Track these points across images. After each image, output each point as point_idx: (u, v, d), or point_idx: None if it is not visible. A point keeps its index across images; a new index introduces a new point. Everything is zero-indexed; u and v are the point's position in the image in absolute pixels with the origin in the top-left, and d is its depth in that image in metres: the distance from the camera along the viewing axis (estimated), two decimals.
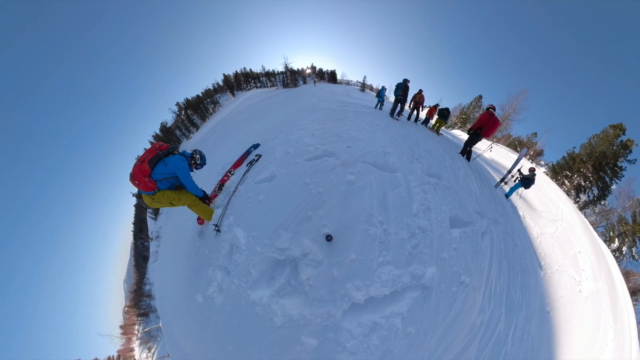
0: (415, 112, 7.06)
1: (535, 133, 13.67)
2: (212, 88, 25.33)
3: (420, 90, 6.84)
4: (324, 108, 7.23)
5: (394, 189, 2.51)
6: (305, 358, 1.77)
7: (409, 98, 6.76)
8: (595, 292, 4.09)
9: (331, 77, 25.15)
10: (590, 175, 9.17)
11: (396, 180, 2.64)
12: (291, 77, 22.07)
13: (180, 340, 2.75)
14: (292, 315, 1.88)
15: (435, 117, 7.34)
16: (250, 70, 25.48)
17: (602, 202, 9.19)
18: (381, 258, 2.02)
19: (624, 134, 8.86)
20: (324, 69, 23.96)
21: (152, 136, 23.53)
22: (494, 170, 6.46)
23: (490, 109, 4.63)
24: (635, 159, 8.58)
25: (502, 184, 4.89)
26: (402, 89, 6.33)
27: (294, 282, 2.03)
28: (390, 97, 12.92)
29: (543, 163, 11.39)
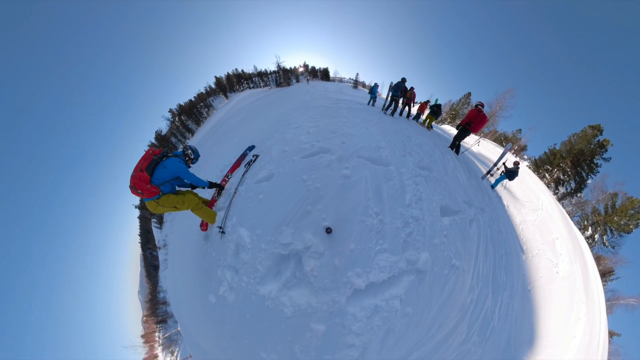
0: (406, 108, 7.18)
1: (520, 129, 14.56)
2: (204, 92, 24.71)
3: (412, 88, 6.93)
4: (317, 106, 7.28)
5: (387, 182, 2.63)
6: (316, 343, 1.92)
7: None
8: (570, 273, 4.50)
9: (324, 74, 25.01)
10: (568, 170, 10.15)
11: (389, 173, 2.76)
12: (284, 76, 21.83)
13: (200, 340, 2.90)
14: (300, 305, 2.01)
15: (427, 112, 7.55)
16: (242, 71, 24.98)
17: (579, 195, 10.24)
18: (378, 246, 2.15)
19: (601, 134, 9.80)
20: (317, 67, 23.79)
21: (148, 145, 22.90)
22: (481, 163, 6.78)
23: (479, 106, 4.87)
24: (610, 158, 9.42)
25: (488, 175, 5.25)
26: (401, 90, 6.22)
27: (299, 274, 2.14)
28: (383, 93, 12.99)
29: (526, 157, 12.18)
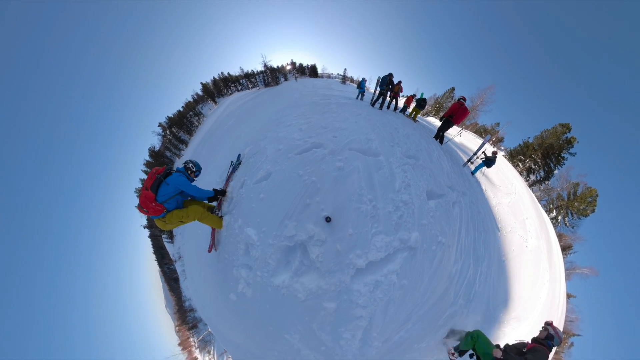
0: (394, 101, 7.41)
1: (498, 123, 15.95)
2: (192, 100, 23.80)
3: (399, 82, 7.14)
4: (307, 103, 7.26)
5: (378, 171, 2.84)
6: (330, 319, 2.18)
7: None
8: (537, 247, 5.21)
9: (312, 71, 24.74)
10: (539, 160, 11.61)
11: (379, 163, 2.96)
12: (272, 76, 21.47)
13: (230, 335, 3.16)
14: (311, 289, 2.24)
15: (413, 105, 7.83)
16: (229, 74, 24.23)
17: (546, 182, 11.77)
18: (374, 229, 2.38)
19: (569, 132, 11.18)
20: (304, 64, 23.47)
21: (144, 164, 22.02)
22: (462, 152, 7.29)
23: (461, 100, 5.27)
24: (575, 153, 10.98)
25: (469, 163, 5.77)
26: (387, 83, 6.43)
27: (307, 261, 2.36)
28: (371, 88, 13.12)
29: (503, 148, 13.52)
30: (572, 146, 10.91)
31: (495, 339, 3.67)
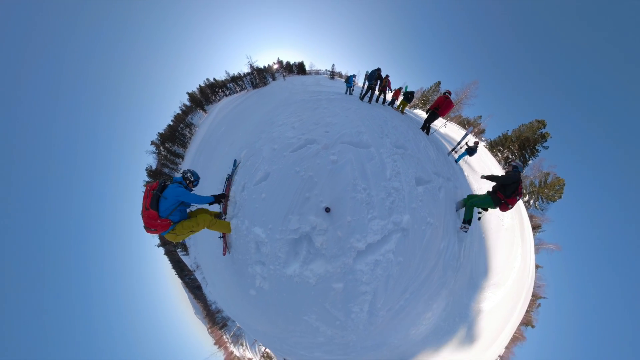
0: (382, 95, 7.58)
1: (480, 116, 17.28)
2: (180, 111, 23.13)
3: (387, 75, 7.29)
4: (297, 100, 7.34)
5: (370, 161, 3.05)
6: (340, 297, 2.46)
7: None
8: (511, 226, 6.01)
9: (300, 68, 24.49)
10: (516, 151, 13.19)
11: (371, 154, 3.17)
12: (259, 76, 21.19)
13: (257, 326, 3.47)
14: (320, 274, 2.50)
15: (400, 98, 8.04)
16: (215, 79, 23.64)
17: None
18: (370, 215, 2.62)
19: (544, 127, 12.59)
20: (292, 62, 23.19)
21: (143, 185, 21.63)
22: (447, 142, 7.75)
23: (447, 93, 5.58)
24: (548, 146, 12.71)
25: (453, 152, 6.37)
26: (375, 78, 6.55)
27: (313, 250, 2.60)
28: (359, 82, 13.21)
29: (484, 139, 14.97)
30: (546, 140, 12.71)
31: (477, 302, 4.41)
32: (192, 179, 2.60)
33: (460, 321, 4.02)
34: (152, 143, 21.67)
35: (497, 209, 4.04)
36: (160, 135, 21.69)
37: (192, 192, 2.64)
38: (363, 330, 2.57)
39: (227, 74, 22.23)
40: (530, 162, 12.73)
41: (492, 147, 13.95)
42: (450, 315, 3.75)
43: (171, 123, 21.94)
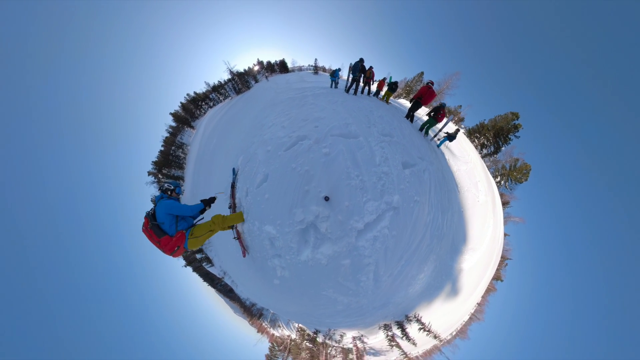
0: (367, 86, 7.80)
1: (461, 105, 19.34)
2: (168, 134, 22.83)
3: (371, 67, 7.49)
4: (283, 100, 7.59)
5: (360, 150, 3.45)
6: (349, 271, 2.95)
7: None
8: (485, 202, 7.18)
9: (282, 67, 24.49)
10: (491, 139, 15.50)
11: (360, 143, 3.56)
12: (241, 81, 21.27)
13: (287, 308, 4.26)
14: (329, 255, 2.95)
15: (385, 89, 8.42)
16: (195, 93, 23.42)
17: (495, 156, 15.83)
18: (364, 198, 3.04)
19: (517, 119, 14.88)
20: (272, 61, 23.25)
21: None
22: (430, 129, 8.36)
23: (429, 84, 6.05)
24: (519, 136, 15.00)
25: (435, 138, 7.03)
26: (359, 70, 6.70)
27: (319, 235, 3.02)
28: (344, 76, 13.52)
29: (463, 127, 17.25)
30: (518, 131, 14.83)
31: (459, 263, 5.50)
32: (172, 188, 2.61)
33: (446, 279, 5.21)
34: (150, 173, 21.64)
35: (438, 124, 6.04)
36: (155, 163, 21.54)
37: (182, 203, 2.56)
38: (372, 294, 3.11)
39: (207, 84, 22.09)
40: (503, 148, 15.33)
41: (470, 134, 16.08)
42: (438, 274, 4.76)
43: (162, 148, 21.78)
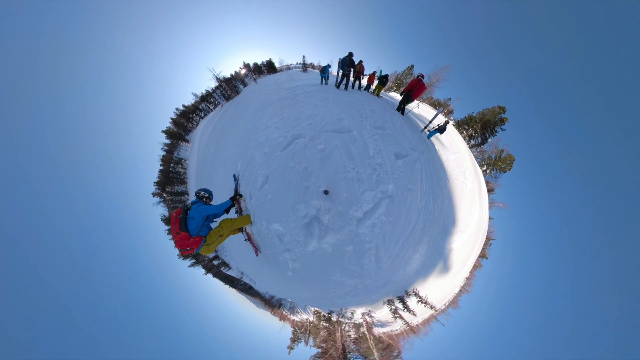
0: (357, 81, 7.96)
1: (450, 98, 20.61)
2: (165, 152, 23.15)
3: (361, 61, 7.64)
4: (274, 100, 7.74)
5: (354, 144, 3.71)
6: (352, 256, 3.27)
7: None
8: (472, 189, 7.87)
9: (269, 67, 24.65)
10: (478, 130, 16.99)
11: (353, 137, 3.82)
12: (229, 87, 21.49)
13: (302, 295, 4.87)
14: (333, 243, 3.26)
15: (376, 82, 8.64)
16: (184, 106, 23.56)
17: (482, 146, 17.41)
18: (361, 189, 3.32)
19: (504, 112, 16.46)
20: (259, 62, 23.44)
21: (167, 231, 22.07)
22: (420, 121, 8.84)
23: (420, 77, 6.31)
24: (505, 129, 16.58)
25: (426, 130, 7.47)
26: (348, 64, 6.84)
27: (323, 227, 3.31)
28: (334, 71, 13.74)
29: (452, 118, 18.50)
30: (504, 124, 16.42)
31: (449, 243, 6.17)
32: (207, 195, 3.02)
33: (438, 257, 5.91)
34: (154, 194, 22.10)
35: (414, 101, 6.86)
36: (157, 183, 21.87)
37: (212, 206, 3.01)
38: (374, 275, 3.46)
39: (195, 95, 22.18)
40: (489, 140, 17.06)
41: (459, 125, 17.36)
42: (432, 254, 5.35)
43: (161, 167, 22.08)
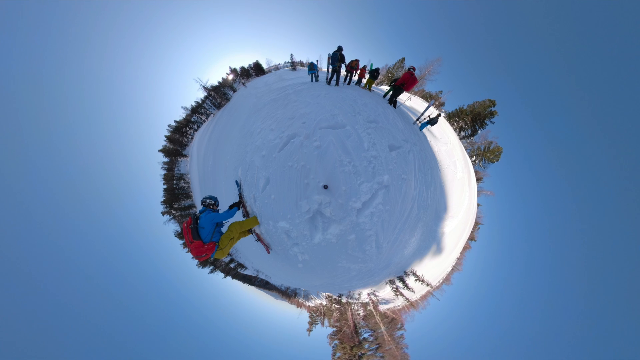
0: (349, 76, 8.07)
1: (441, 91, 21.73)
2: (166, 171, 23.80)
3: (357, 61, 7.60)
4: (266, 103, 7.84)
5: (348, 138, 4.00)
6: (355, 243, 3.61)
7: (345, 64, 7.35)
8: (462, 177, 8.66)
9: (257, 69, 24.77)
10: (469, 122, 18.27)
11: (348, 132, 4.10)
12: (218, 95, 21.77)
13: (313, 283, 5.34)
14: (337, 234, 3.58)
15: (367, 76, 8.85)
16: (176, 121, 23.88)
17: (472, 138, 18.73)
18: (359, 181, 3.63)
19: (494, 106, 17.79)
20: (246, 66, 23.68)
21: (182, 245, 23.18)
22: (412, 114, 9.28)
23: (411, 69, 6.52)
24: (495, 122, 18.00)
25: (417, 122, 7.93)
26: (338, 59, 6.81)
27: (326, 219, 3.63)
28: (323, 67, 13.95)
29: (443, 111, 19.73)
30: (493, 117, 17.76)
31: (442, 227, 6.95)
32: (213, 202, 3.16)
33: (432, 241, 6.64)
34: (164, 213, 22.91)
35: (403, 92, 7.21)
36: (164, 202, 22.56)
37: (220, 212, 3.27)
38: (376, 259, 3.83)
39: (185, 108, 22.46)
40: (479, 132, 18.54)
41: (450, 117, 18.50)
42: (426, 238, 5.96)
43: (165, 186, 22.76)
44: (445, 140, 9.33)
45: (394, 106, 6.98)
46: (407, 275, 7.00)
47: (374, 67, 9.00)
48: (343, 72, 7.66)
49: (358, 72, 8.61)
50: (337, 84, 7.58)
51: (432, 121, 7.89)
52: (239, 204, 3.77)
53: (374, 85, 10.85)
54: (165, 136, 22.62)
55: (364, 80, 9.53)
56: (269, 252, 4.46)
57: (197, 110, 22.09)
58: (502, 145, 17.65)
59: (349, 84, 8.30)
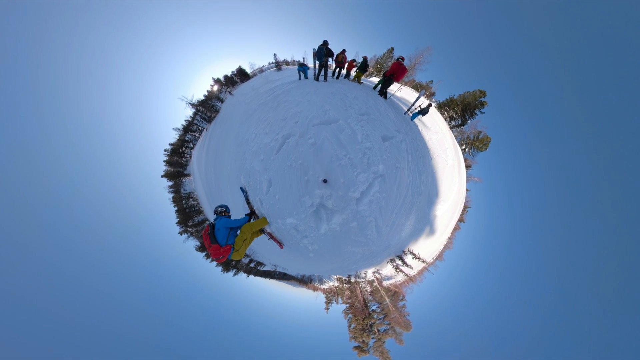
0: (337, 70, 8.66)
1: (432, 80, 22.99)
2: (173, 194, 25.85)
3: (344, 50, 8.10)
4: (256, 108, 8.29)
5: (342, 132, 4.49)
6: (357, 230, 4.18)
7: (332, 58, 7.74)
8: (452, 165, 9.73)
9: (241, 75, 25.69)
10: (459, 112, 19.85)
11: (341, 126, 4.57)
12: (206, 108, 22.85)
13: (325, 268, 6.35)
14: (340, 222, 4.15)
15: (355, 69, 9.36)
16: (171, 144, 25.39)
17: (462, 127, 20.24)
18: (355, 172, 4.17)
19: (484, 97, 19.33)
20: (229, 73, 24.79)
21: (205, 256, 26.43)
22: (403, 104, 9.96)
23: (400, 59, 6.82)
24: (484, 112, 19.61)
25: (409, 112, 8.63)
26: (324, 54, 7.03)
27: (329, 211, 4.19)
28: (310, 64, 14.62)
29: (434, 101, 21.05)
30: (484, 107, 19.28)
31: (434, 211, 7.96)
32: (224, 210, 3.74)
33: (426, 223, 7.63)
34: (181, 232, 24.98)
35: (394, 83, 7.89)
36: (179, 223, 24.55)
37: (232, 219, 3.85)
38: (377, 242, 4.44)
39: (177, 129, 23.82)
40: (469, 121, 20.19)
41: (441, 107, 19.88)
42: (420, 221, 6.87)
43: (176, 208, 24.65)
44: (436, 130, 10.32)
45: (385, 97, 7.44)
46: (405, 254, 8.20)
47: (362, 57, 9.32)
48: (332, 66, 8.05)
49: (346, 65, 9.03)
50: (325, 79, 7.95)
51: (423, 111, 8.64)
52: (251, 214, 4.47)
53: (363, 77, 11.44)
54: (164, 161, 23.96)
55: (353, 74, 10.11)
56: (282, 248, 4.99)
57: (189, 128, 23.20)
58: (490, 135, 19.37)
59: (337, 78, 8.81)
